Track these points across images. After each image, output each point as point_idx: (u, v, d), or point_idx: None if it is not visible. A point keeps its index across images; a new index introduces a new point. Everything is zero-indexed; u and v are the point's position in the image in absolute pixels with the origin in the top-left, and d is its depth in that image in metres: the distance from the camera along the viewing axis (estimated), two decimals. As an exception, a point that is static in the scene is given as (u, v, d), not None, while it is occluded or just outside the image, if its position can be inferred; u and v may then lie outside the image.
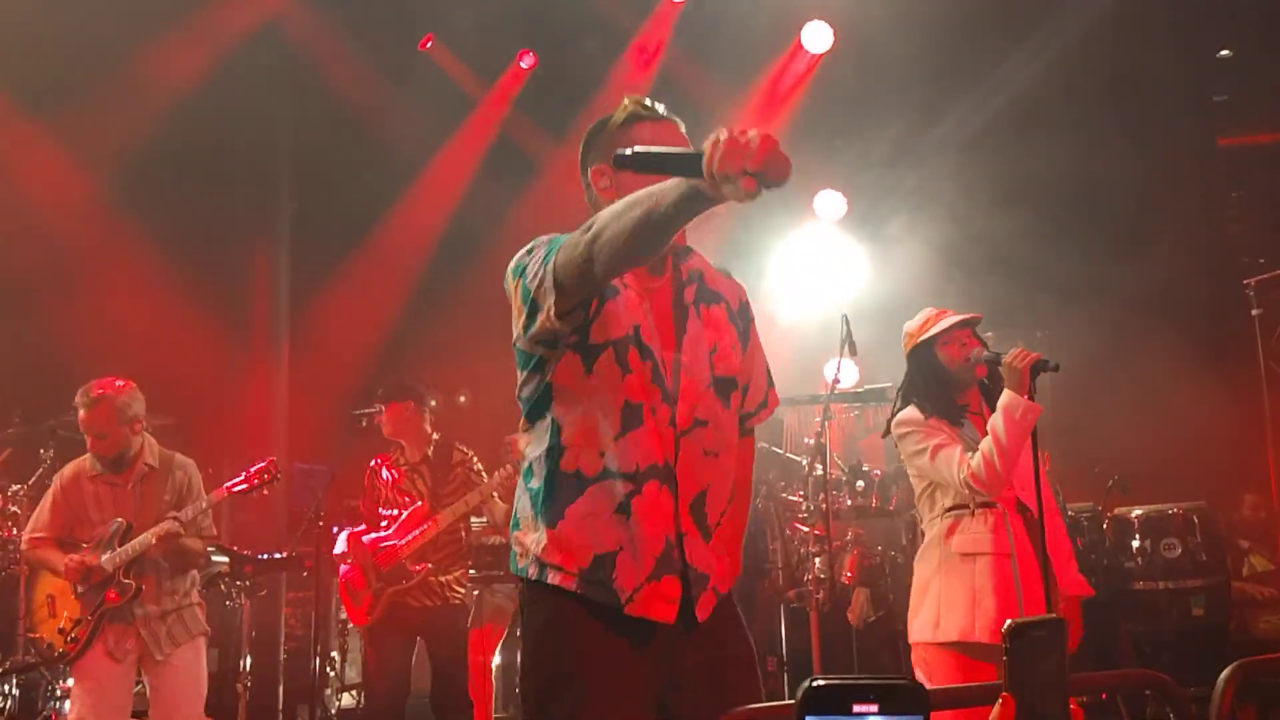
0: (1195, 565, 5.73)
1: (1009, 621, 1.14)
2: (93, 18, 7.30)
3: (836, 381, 6.11)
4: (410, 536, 5.26)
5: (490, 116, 9.24)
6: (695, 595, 2.33)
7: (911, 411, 3.78)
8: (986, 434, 3.58)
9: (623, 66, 8.87)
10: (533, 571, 2.36)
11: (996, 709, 1.11)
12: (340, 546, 5.46)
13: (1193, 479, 6.86)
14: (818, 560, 6.14)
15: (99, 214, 7.74)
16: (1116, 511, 6.03)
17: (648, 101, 2.43)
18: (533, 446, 2.40)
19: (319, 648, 6.45)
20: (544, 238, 2.31)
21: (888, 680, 0.97)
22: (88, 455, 4.68)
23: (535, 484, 2.39)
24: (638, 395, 2.31)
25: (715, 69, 8.98)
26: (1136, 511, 5.91)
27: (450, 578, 5.38)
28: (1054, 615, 1.21)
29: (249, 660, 6.35)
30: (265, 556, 6.60)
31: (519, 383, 2.43)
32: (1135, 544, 5.81)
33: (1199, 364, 7.64)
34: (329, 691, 6.91)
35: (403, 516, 5.32)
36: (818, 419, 6.23)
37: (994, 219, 7.99)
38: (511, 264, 2.35)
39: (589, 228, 2.10)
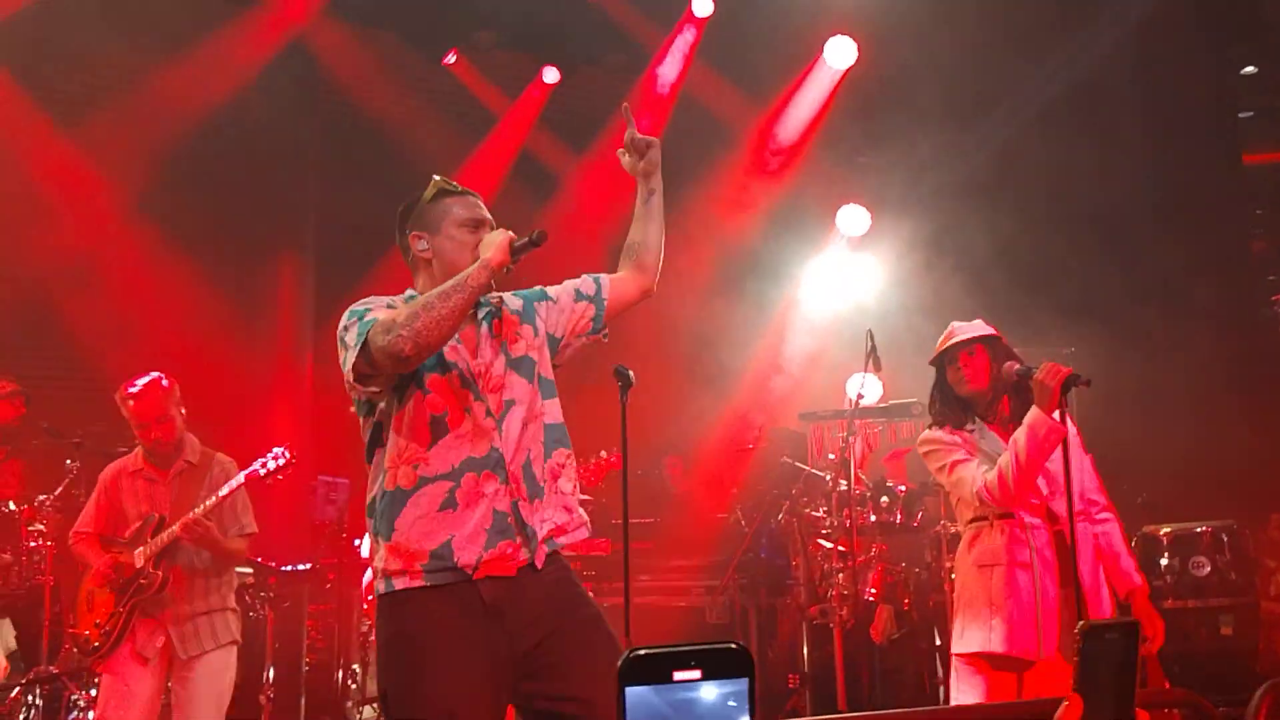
0: (1224, 584, 5.69)
1: (1084, 622, 1.14)
2: (126, 32, 7.39)
3: (861, 397, 6.09)
4: None
5: (513, 131, 9.28)
6: (532, 550, 2.70)
7: (931, 431, 3.84)
8: (1008, 446, 3.58)
9: (646, 82, 8.90)
10: (381, 587, 2.71)
11: (1063, 708, 1.10)
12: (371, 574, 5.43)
13: (1221, 497, 6.80)
14: (840, 576, 6.11)
15: (126, 226, 7.81)
16: (1145, 529, 5.98)
17: (451, 182, 3.01)
18: (371, 484, 2.82)
19: (341, 660, 6.45)
20: (358, 309, 2.75)
21: (709, 646, 0.96)
22: (133, 452, 4.70)
23: (372, 516, 2.78)
24: (440, 408, 2.73)
25: (739, 83, 9.00)
26: (1165, 529, 5.86)
27: None
28: (1129, 619, 1.19)
29: (271, 672, 6.36)
30: (289, 568, 6.61)
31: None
32: (1164, 562, 5.77)
33: (1226, 381, 7.59)
34: (350, 704, 6.91)
35: None
36: (842, 434, 6.21)
37: (1019, 234, 7.96)
38: (340, 326, 2.76)
39: (404, 324, 2.58)
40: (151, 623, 4.50)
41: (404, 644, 2.65)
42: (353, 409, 2.89)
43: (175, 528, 4.43)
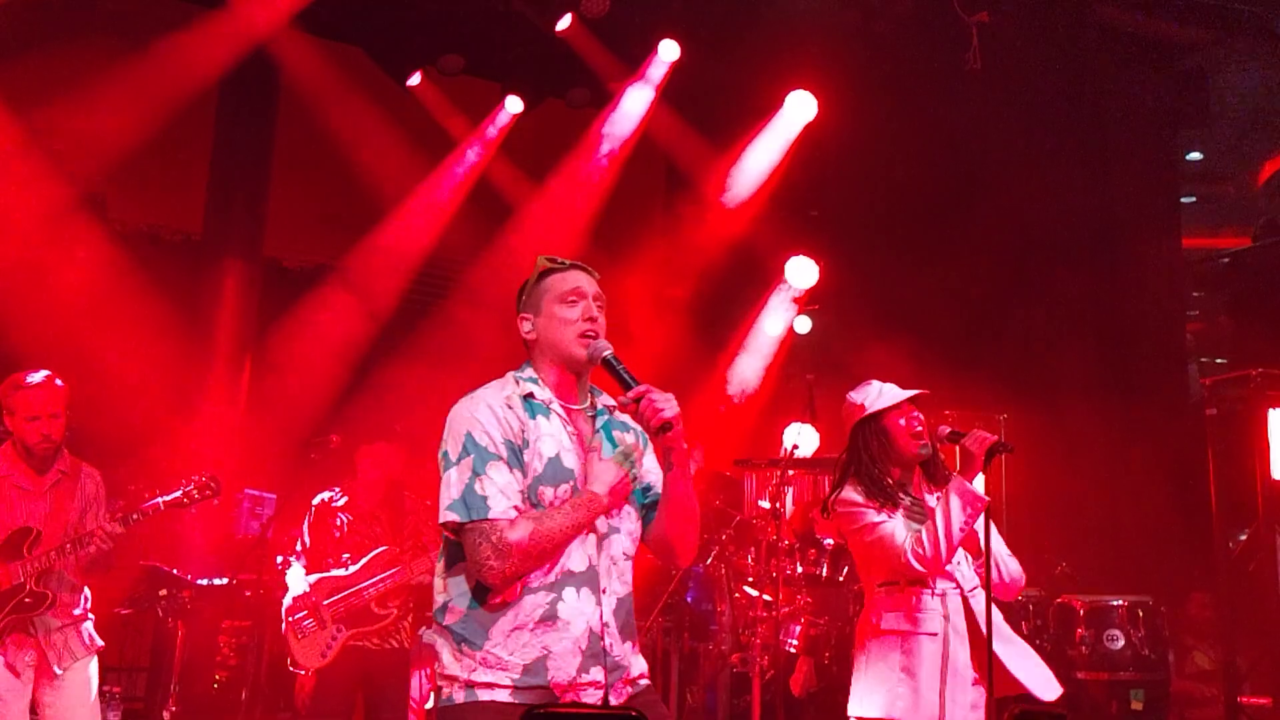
0: (1137, 659, 5.76)
1: (1020, 709, 1.15)
2: (86, 26, 7.29)
3: (796, 447, 6.13)
4: (376, 579, 5.17)
5: (471, 158, 9.26)
6: (611, 682, 2.63)
7: (849, 491, 3.73)
8: (929, 515, 3.58)
9: (607, 120, 8.94)
10: (460, 696, 2.60)
11: None
12: (301, 587, 5.25)
13: (1141, 573, 6.92)
14: (763, 626, 6.11)
15: (67, 222, 7.66)
16: (1062, 599, 6.06)
17: (556, 259, 2.90)
18: (452, 587, 2.69)
19: (253, 679, 6.30)
20: (476, 443, 2.66)
21: (612, 710, 0.96)
22: (1, 453, 4.51)
23: (453, 620, 2.67)
24: None
25: (699, 128, 9.09)
26: (1082, 600, 5.94)
27: (408, 621, 5.31)
28: (1058, 710, 1.20)
29: (178, 687, 6.20)
30: (205, 582, 6.47)
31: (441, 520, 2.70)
32: (1079, 633, 5.84)
33: (1153, 459, 7.74)
34: (258, 725, 6.75)
35: (367, 559, 5.21)
36: (774, 483, 6.24)
37: (962, 298, 8.09)
38: (446, 442, 2.72)
39: (513, 560, 2.56)
40: (20, 636, 4.37)
41: None
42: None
43: (55, 541, 4.32)
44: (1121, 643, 5.74)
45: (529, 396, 2.76)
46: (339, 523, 5.31)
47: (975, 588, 3.68)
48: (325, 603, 5.18)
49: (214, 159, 8.64)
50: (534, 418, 2.73)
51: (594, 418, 2.84)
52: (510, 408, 2.71)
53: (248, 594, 6.49)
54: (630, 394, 2.66)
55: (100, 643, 4.58)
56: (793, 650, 6.33)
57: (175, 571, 6.34)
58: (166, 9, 8.01)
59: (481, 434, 2.65)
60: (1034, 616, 6.02)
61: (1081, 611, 5.88)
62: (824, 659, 6.39)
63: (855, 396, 3.85)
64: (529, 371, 2.83)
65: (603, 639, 2.63)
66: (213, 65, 7.92)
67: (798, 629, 6.37)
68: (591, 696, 2.57)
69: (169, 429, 7.54)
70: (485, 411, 2.69)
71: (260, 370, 8.68)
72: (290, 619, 5.24)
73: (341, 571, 5.22)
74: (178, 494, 4.47)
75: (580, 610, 2.62)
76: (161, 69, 7.63)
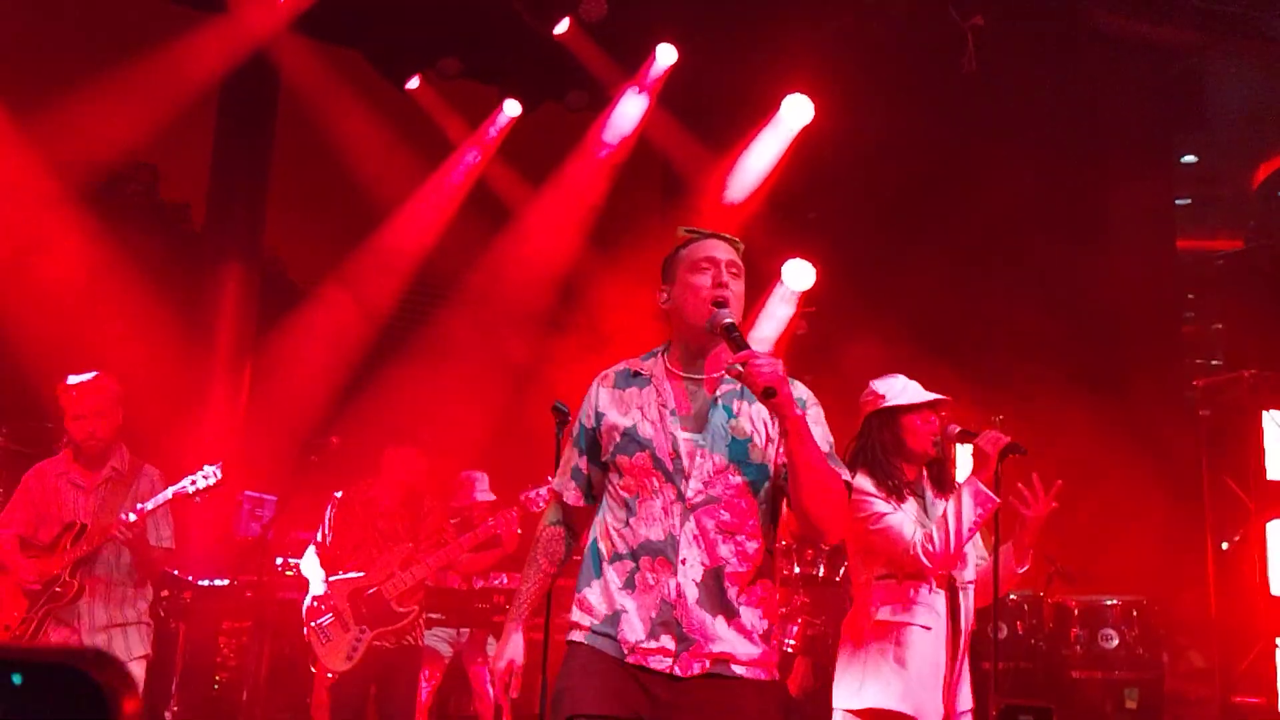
0: (1131, 658, 5.81)
1: (1006, 704, 1.18)
2: (87, 30, 7.33)
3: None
4: (396, 577, 5.20)
5: (470, 161, 9.31)
6: (679, 652, 2.62)
7: (861, 479, 3.69)
8: (939, 511, 3.61)
9: (605, 123, 8.99)
10: (567, 635, 2.76)
11: None
12: (319, 587, 5.26)
13: (1136, 573, 6.95)
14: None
15: (72, 225, 7.71)
16: (1057, 599, 6.10)
17: (695, 229, 2.88)
18: (589, 531, 2.87)
19: (253, 680, 6.33)
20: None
21: None
22: (62, 453, 4.58)
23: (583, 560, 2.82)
24: (632, 490, 2.70)
25: (695, 131, 9.13)
26: (1076, 601, 5.98)
27: (421, 619, 5.36)
28: (1042, 704, 1.23)
29: (179, 688, 6.24)
30: (206, 583, 6.51)
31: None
32: (1074, 632, 5.88)
33: (1148, 460, 7.78)
34: (258, 726, 6.79)
35: (387, 558, 5.24)
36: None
37: (958, 299, 8.14)
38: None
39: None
40: (66, 631, 4.41)
41: (565, 672, 2.73)
42: None
43: (98, 535, 4.37)
44: (1116, 642, 5.79)
45: (635, 374, 2.81)
46: (361, 518, 5.35)
47: (970, 583, 3.71)
48: (347, 604, 5.20)
49: (214, 163, 8.70)
50: (625, 390, 2.79)
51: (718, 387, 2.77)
52: (604, 382, 2.84)
53: (248, 595, 6.52)
54: (734, 358, 2.58)
55: (148, 650, 4.57)
56: (790, 650, 6.37)
57: (176, 572, 6.37)
58: (167, 13, 8.06)
59: (577, 419, 2.89)
60: (1029, 616, 6.06)
61: (1076, 611, 5.93)
62: (821, 659, 6.43)
63: (878, 385, 3.82)
64: (663, 346, 2.86)
65: (675, 608, 2.61)
66: (213, 69, 7.97)
67: (795, 629, 6.41)
68: (659, 663, 2.60)
69: (170, 431, 7.58)
70: (587, 397, 2.87)
71: (260, 373, 8.73)
72: (313, 623, 5.22)
73: (358, 573, 5.24)
74: (184, 484, 4.51)
75: (655, 578, 2.63)
76: (162, 73, 7.67)
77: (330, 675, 5.24)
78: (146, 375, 7.48)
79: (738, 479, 2.67)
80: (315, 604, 5.25)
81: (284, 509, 6.31)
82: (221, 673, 6.84)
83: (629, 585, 2.66)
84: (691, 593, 2.61)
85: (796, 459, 2.59)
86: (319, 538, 5.41)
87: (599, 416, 2.79)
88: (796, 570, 6.51)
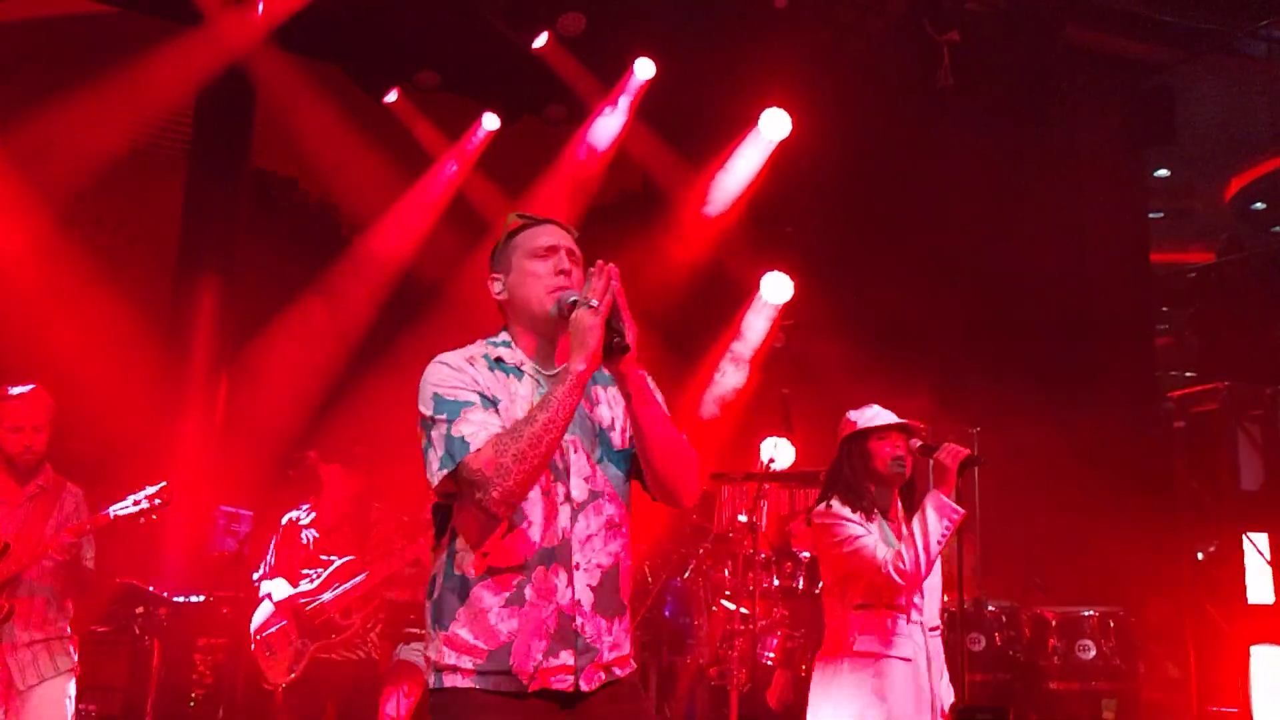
0: (1108, 668, 5.84)
1: (962, 707, 1.19)
2: (63, 43, 7.28)
3: (772, 461, 6.19)
4: (340, 590, 5.16)
5: (449, 174, 9.29)
6: (582, 666, 2.43)
7: (834, 504, 3.78)
8: (906, 533, 3.63)
9: (584, 136, 9.00)
10: (432, 680, 2.45)
11: None
12: (266, 611, 5.24)
13: (1112, 584, 7.00)
14: (740, 639, 6.14)
15: (44, 237, 7.64)
16: (1034, 610, 6.13)
17: (526, 215, 2.75)
18: (435, 563, 2.52)
19: (229, 697, 6.26)
20: (446, 399, 2.47)
21: None
22: None
23: (431, 597, 2.50)
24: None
25: (674, 144, 9.16)
26: (1053, 611, 6.01)
27: (374, 632, 5.31)
28: (998, 706, 1.24)
29: (154, 705, 6.17)
30: (181, 599, 6.44)
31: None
32: (1051, 643, 5.91)
33: (1123, 472, 7.83)
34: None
35: (330, 570, 5.21)
36: (751, 496, 6.29)
37: (936, 313, 8.18)
38: (422, 404, 2.52)
39: (495, 481, 2.33)
40: None
41: None
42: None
43: (26, 555, 4.27)
44: (1093, 653, 5.82)
45: (499, 360, 2.57)
46: (305, 540, 5.31)
47: (936, 628, 3.76)
48: (290, 617, 5.18)
49: (190, 174, 8.64)
50: (507, 378, 2.55)
51: None
52: (473, 364, 2.54)
53: (224, 611, 6.47)
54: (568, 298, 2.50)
55: (75, 664, 4.49)
56: (770, 663, 6.37)
57: (151, 589, 6.31)
58: (143, 26, 8.01)
59: (447, 389, 2.48)
60: (1007, 627, 6.08)
61: (1054, 622, 5.96)
62: (801, 671, 6.43)
63: (852, 414, 3.92)
64: (502, 336, 2.65)
65: (574, 619, 2.41)
66: (189, 82, 7.93)
67: (775, 642, 6.41)
68: (561, 682, 2.40)
69: (145, 447, 7.51)
70: (444, 370, 2.52)
71: (237, 387, 8.66)
72: (258, 637, 5.23)
73: (307, 585, 5.22)
74: (127, 503, 4.44)
75: (549, 589, 2.40)
76: (138, 85, 7.63)
77: (272, 688, 5.21)
78: (121, 390, 7.42)
79: (611, 470, 2.58)
80: (262, 620, 5.23)
81: (260, 525, 6.26)
82: (197, 690, 6.77)
83: (514, 602, 2.39)
84: (588, 598, 2.44)
85: (642, 419, 2.50)
86: (263, 567, 5.37)
87: (494, 398, 2.50)
88: (776, 583, 6.51)
